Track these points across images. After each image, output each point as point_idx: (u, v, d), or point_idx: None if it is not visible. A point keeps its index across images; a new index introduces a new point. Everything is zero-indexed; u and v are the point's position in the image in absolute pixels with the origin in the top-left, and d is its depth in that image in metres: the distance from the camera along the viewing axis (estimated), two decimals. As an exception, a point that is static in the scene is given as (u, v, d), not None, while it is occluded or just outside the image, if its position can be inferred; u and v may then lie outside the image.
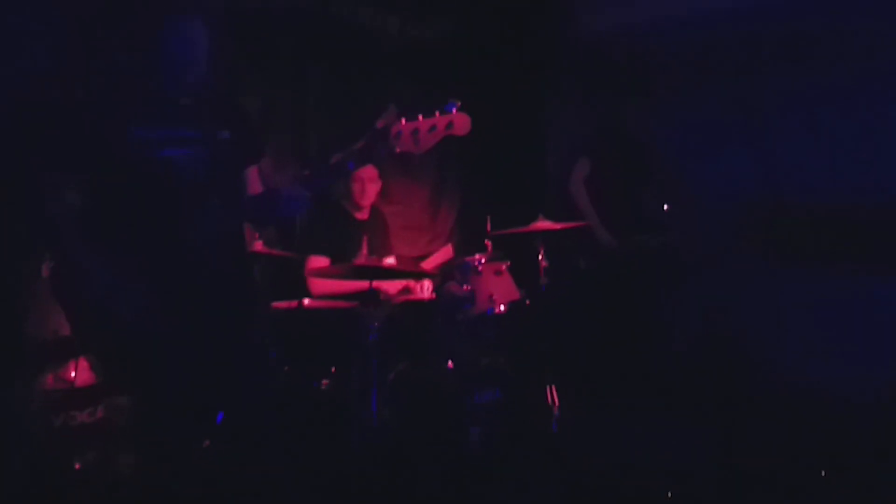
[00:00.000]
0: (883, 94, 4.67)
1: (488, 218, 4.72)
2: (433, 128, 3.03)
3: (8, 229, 3.83)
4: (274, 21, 5.01)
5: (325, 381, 4.16)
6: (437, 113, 3.05)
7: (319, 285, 4.50)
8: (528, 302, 4.64)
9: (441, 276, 4.79)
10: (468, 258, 4.63)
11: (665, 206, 5.13)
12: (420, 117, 3.04)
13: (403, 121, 3.04)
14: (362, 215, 4.81)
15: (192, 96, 3.04)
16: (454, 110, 3.05)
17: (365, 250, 4.19)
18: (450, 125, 3.03)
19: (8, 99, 3.88)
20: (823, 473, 3.67)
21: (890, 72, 4.67)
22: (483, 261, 4.58)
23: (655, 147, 5.33)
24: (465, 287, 4.54)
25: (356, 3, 5.43)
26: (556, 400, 4.43)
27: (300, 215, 3.28)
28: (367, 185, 4.71)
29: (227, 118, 3.17)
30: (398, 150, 3.05)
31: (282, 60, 5.14)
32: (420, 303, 4.65)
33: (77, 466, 3.79)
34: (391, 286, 4.64)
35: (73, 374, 3.99)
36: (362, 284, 4.15)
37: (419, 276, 4.70)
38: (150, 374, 2.92)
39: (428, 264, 5.08)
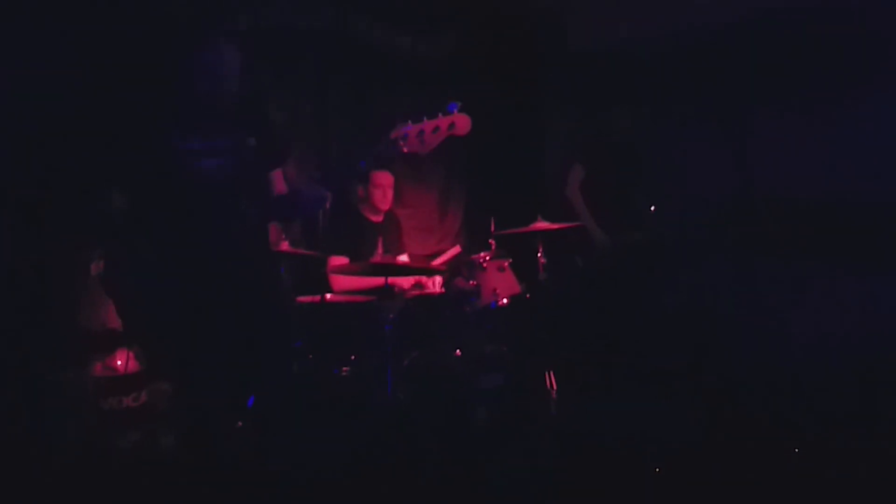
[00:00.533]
0: (854, 97, 4.78)
1: (492, 219, 4.85)
2: (437, 128, 3.12)
3: (62, 229, 4.07)
4: (296, 40, 5.16)
5: (345, 368, 4.32)
6: (439, 115, 3.15)
7: (340, 281, 4.59)
8: (528, 295, 4.78)
9: (449, 272, 4.88)
10: (474, 256, 4.78)
11: (652, 207, 5.22)
12: (424, 119, 3.15)
13: (409, 123, 3.16)
14: (377, 218, 4.92)
15: (223, 108, 3.21)
16: (455, 111, 3.15)
17: (380, 249, 4.33)
18: (452, 125, 3.11)
19: (63, 111, 4.09)
20: (797, 450, 3.77)
21: (860, 76, 4.79)
22: (487, 258, 4.73)
23: (643, 151, 5.43)
24: (471, 282, 4.71)
25: (371, 23, 5.57)
26: (555, 384, 4.55)
27: (320, 212, 3.40)
28: (387, 190, 4.84)
29: (254, 126, 3.33)
30: (405, 150, 3.15)
31: (303, 76, 5.27)
32: (430, 296, 4.76)
33: (123, 446, 3.94)
34: (404, 282, 4.75)
35: (119, 362, 4.16)
36: (378, 280, 4.28)
37: (430, 272, 4.82)
38: (190, 360, 3.11)
39: (440, 261, 5.18)
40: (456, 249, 5.33)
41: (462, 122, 3.13)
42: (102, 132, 3.36)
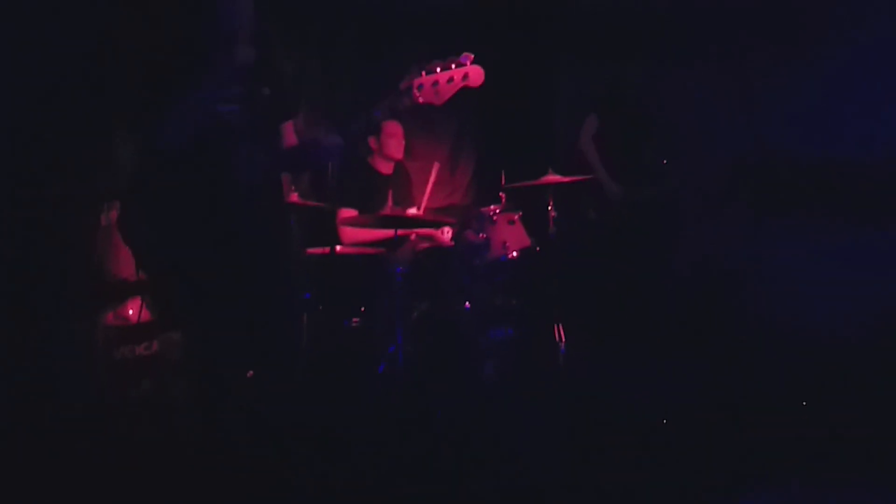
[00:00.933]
0: (864, 58, 4.71)
1: (502, 172, 4.88)
2: (451, 79, 3.09)
3: (72, 181, 4.08)
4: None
5: (355, 320, 4.37)
6: (452, 65, 3.12)
7: (350, 234, 4.62)
8: (537, 249, 4.77)
9: (459, 224, 4.88)
10: (484, 209, 4.78)
11: (664, 160, 5.21)
12: (437, 69, 3.11)
13: (423, 73, 3.12)
14: (388, 170, 4.92)
15: (238, 55, 3.12)
16: (468, 62, 3.11)
17: (390, 202, 4.35)
18: (465, 76, 3.08)
19: (76, 57, 4.06)
20: (804, 403, 3.85)
21: (871, 38, 4.71)
22: (497, 211, 4.72)
23: (657, 104, 5.37)
24: (480, 235, 4.69)
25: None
26: (563, 337, 4.59)
27: (334, 163, 3.38)
28: (401, 140, 4.84)
29: (268, 76, 3.25)
30: (421, 100, 3.12)
31: (312, 27, 5.22)
32: (440, 249, 4.79)
33: (135, 394, 4.01)
34: (414, 234, 4.76)
35: (130, 311, 4.21)
36: (388, 233, 4.31)
37: (440, 224, 4.84)
38: (204, 308, 3.02)
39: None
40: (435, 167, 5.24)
41: (475, 73, 3.11)
42: (115, 78, 3.31)
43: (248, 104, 3.15)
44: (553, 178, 4.75)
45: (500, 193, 4.85)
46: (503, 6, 6.03)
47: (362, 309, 4.40)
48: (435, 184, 5.36)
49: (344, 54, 5.45)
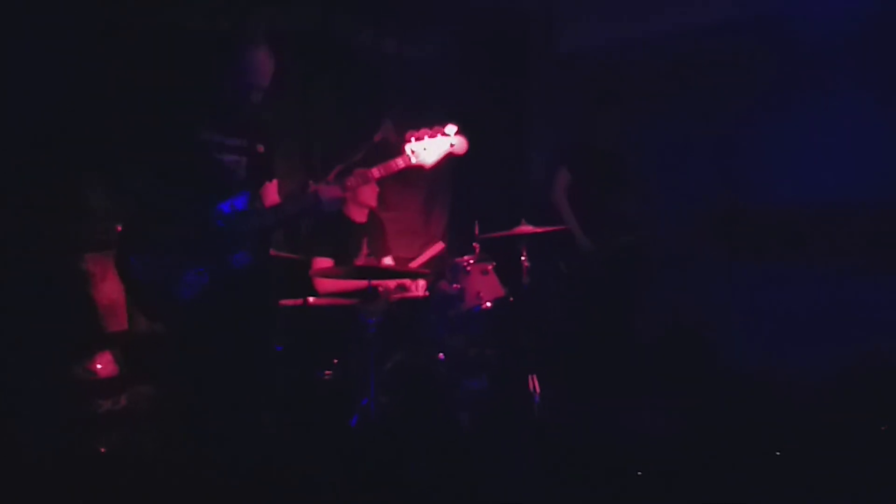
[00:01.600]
0: (831, 105, 4.81)
1: (476, 223, 4.86)
2: (439, 146, 3.40)
3: (43, 231, 4.06)
4: (281, 42, 5.14)
5: (328, 372, 4.33)
6: (438, 134, 3.40)
7: (325, 283, 4.61)
8: (511, 299, 4.79)
9: (433, 275, 4.88)
10: (458, 259, 4.79)
11: (636, 211, 5.26)
12: (426, 137, 3.38)
13: (412, 137, 3.39)
14: (362, 219, 4.92)
15: (245, 109, 3.29)
16: (453, 133, 3.41)
17: (364, 251, 4.37)
18: (452, 145, 3.40)
19: (89, 99, 4.12)
20: (778, 454, 3.82)
21: (841, 81, 4.83)
22: (471, 262, 4.73)
23: (627, 156, 5.44)
24: (454, 286, 4.71)
25: (357, 26, 5.57)
26: (538, 388, 4.53)
27: (333, 214, 3.48)
28: (374, 187, 4.86)
29: (263, 134, 3.43)
30: (413, 163, 3.40)
31: (289, 78, 5.10)
32: (414, 300, 4.77)
33: (102, 450, 3.91)
34: (389, 284, 4.74)
35: (98, 366, 4.15)
36: (362, 283, 4.27)
37: (414, 275, 4.83)
38: (192, 355, 3.13)
39: (422, 258, 5.23)
40: (439, 246, 5.34)
41: (461, 144, 3.43)
42: (125, 119, 3.35)
43: (247, 156, 3.33)
44: (526, 228, 4.75)
45: (474, 244, 4.85)
46: (478, 57, 6.10)
47: (335, 360, 4.38)
48: (410, 234, 5.38)
49: (319, 105, 5.46)
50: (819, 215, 4.89)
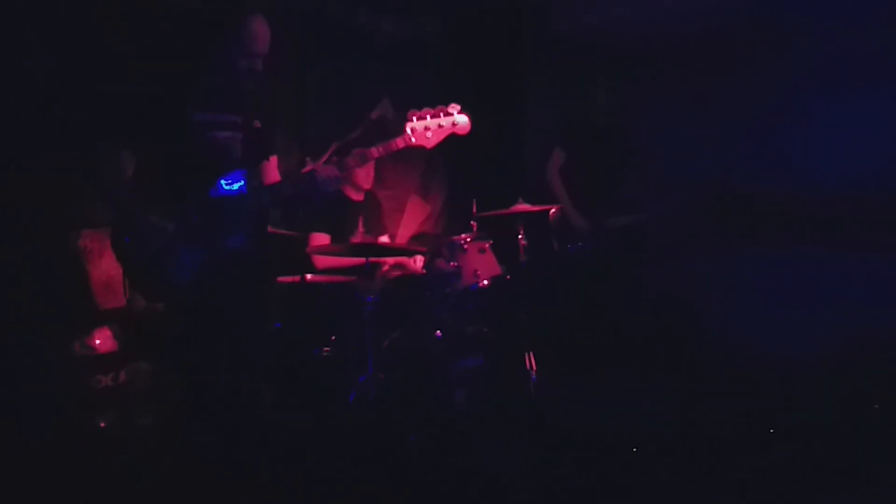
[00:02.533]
0: (826, 88, 4.81)
1: (473, 201, 4.91)
2: (441, 126, 3.35)
3: (40, 207, 4.04)
4: (277, 21, 5.18)
5: (325, 349, 4.33)
6: (441, 113, 3.36)
7: (322, 259, 4.59)
8: (508, 277, 4.78)
9: (430, 253, 4.86)
10: (455, 237, 4.76)
11: (633, 191, 5.25)
12: (428, 116, 3.34)
13: (414, 116, 3.36)
14: (358, 197, 4.88)
15: (240, 84, 3.22)
16: (456, 112, 3.37)
17: (361, 228, 4.36)
18: (454, 124, 3.36)
19: (77, 77, 4.06)
20: (771, 431, 3.91)
21: (834, 66, 4.82)
22: (468, 240, 4.71)
23: (625, 135, 5.41)
24: (451, 263, 4.68)
25: (353, 4, 5.56)
26: (534, 366, 4.57)
27: (332, 195, 3.47)
28: (368, 169, 4.78)
29: (259, 110, 3.36)
30: (414, 143, 3.36)
31: (285, 57, 5.04)
32: (411, 277, 4.77)
33: (102, 425, 3.97)
34: (386, 262, 4.75)
35: (97, 341, 4.18)
36: (359, 260, 4.26)
37: (411, 253, 4.83)
38: (189, 335, 3.12)
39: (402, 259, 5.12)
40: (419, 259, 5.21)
41: (463, 123, 3.38)
42: (115, 99, 3.32)
43: (242, 132, 3.27)
44: (523, 206, 4.77)
45: (471, 222, 4.87)
46: (474, 36, 6.08)
47: (333, 338, 4.38)
48: (406, 212, 5.37)
49: (316, 84, 5.43)
50: (816, 198, 4.89)
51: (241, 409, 3.33)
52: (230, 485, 3.13)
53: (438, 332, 4.56)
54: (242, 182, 3.23)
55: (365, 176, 4.83)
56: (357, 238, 4.28)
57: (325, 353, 4.35)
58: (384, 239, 4.99)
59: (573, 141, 5.42)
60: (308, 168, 3.37)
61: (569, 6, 6.03)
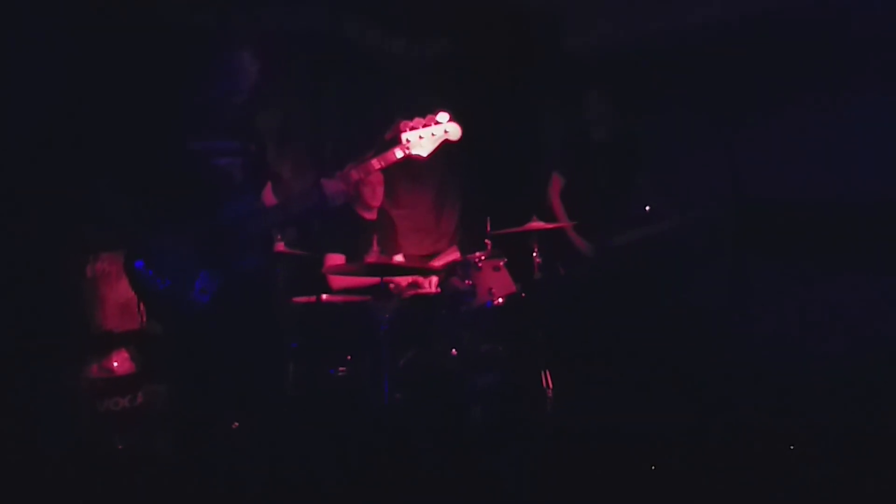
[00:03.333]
0: (845, 99, 4.77)
1: (487, 219, 4.87)
2: (433, 135, 3.42)
3: (61, 230, 4.13)
4: (291, 42, 5.15)
5: (341, 369, 4.35)
6: (432, 122, 3.43)
7: (338, 279, 4.62)
8: (523, 295, 4.79)
9: (445, 272, 4.88)
10: (469, 256, 4.79)
11: (647, 207, 5.16)
12: (420, 126, 3.40)
13: (408, 128, 3.41)
14: (371, 216, 4.92)
15: (234, 111, 3.35)
16: (445, 120, 3.44)
17: (375, 247, 4.36)
18: (445, 132, 3.42)
19: (76, 112, 4.08)
20: (792, 447, 3.82)
21: (854, 72, 4.77)
22: (483, 258, 4.73)
23: (630, 144, 5.34)
24: (466, 282, 4.71)
25: (365, 25, 5.59)
26: (550, 383, 4.57)
27: (338, 208, 3.51)
28: (377, 187, 4.84)
29: (252, 134, 3.50)
30: (412, 154, 3.42)
31: (299, 78, 5.27)
32: (426, 296, 4.77)
33: (119, 447, 4.00)
34: (401, 281, 4.74)
35: (114, 363, 4.23)
36: (375, 280, 4.30)
37: (426, 272, 4.84)
38: (198, 357, 3.19)
39: (437, 262, 5.17)
40: (454, 251, 5.31)
41: (454, 129, 3.45)
42: (115, 131, 3.38)
43: (241, 158, 3.36)
44: (538, 224, 4.77)
45: (486, 240, 4.86)
46: (486, 55, 6.10)
47: (348, 357, 4.39)
48: (420, 231, 5.37)
49: (330, 104, 5.49)
50: (831, 211, 4.82)
51: (256, 429, 3.43)
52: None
53: (454, 350, 4.57)
54: (249, 205, 3.27)
55: (372, 194, 4.86)
56: (372, 258, 4.29)
57: (340, 373, 4.35)
58: (399, 258, 5.00)
59: (572, 162, 5.40)
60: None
61: (578, 21, 6.02)
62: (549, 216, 5.24)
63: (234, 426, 3.50)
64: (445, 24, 5.97)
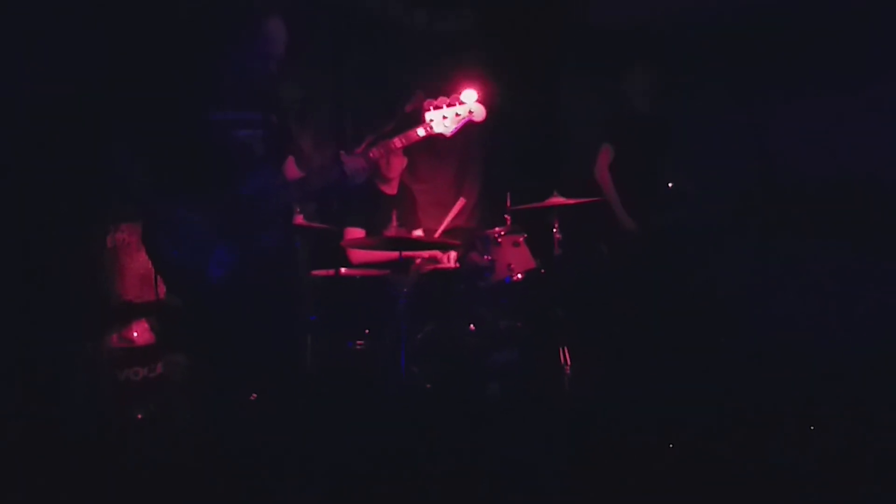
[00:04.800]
0: (865, 83, 4.73)
1: (507, 194, 4.87)
2: (457, 115, 3.38)
3: (78, 201, 4.11)
4: (313, 16, 5.12)
5: (359, 342, 4.36)
6: (457, 102, 3.39)
7: (358, 253, 4.64)
8: (542, 271, 4.76)
9: (464, 247, 4.87)
10: (489, 231, 4.76)
11: (669, 184, 5.15)
12: (444, 105, 3.36)
13: (432, 107, 3.37)
14: (391, 190, 4.92)
15: (257, 82, 3.27)
16: (471, 100, 3.40)
17: (395, 222, 4.35)
18: (470, 112, 3.38)
19: (97, 81, 4.07)
20: (812, 428, 3.82)
21: (872, 62, 4.73)
22: (502, 233, 4.71)
23: (665, 123, 5.30)
24: (485, 257, 4.68)
25: (387, -3, 5.55)
26: (568, 360, 4.56)
27: (361, 184, 3.51)
28: (392, 159, 4.79)
29: (275, 105, 3.42)
30: (434, 133, 3.39)
31: (321, 51, 5.26)
32: (445, 271, 4.75)
33: (139, 416, 4.03)
34: (420, 256, 4.74)
35: (134, 334, 4.23)
36: (394, 254, 4.30)
37: (445, 247, 4.79)
38: (219, 328, 3.15)
39: (447, 220, 5.13)
40: (460, 203, 5.23)
41: (479, 110, 3.41)
42: (136, 102, 3.35)
43: (262, 129, 3.30)
44: (558, 200, 4.75)
45: (505, 216, 4.85)
46: (509, 27, 6.05)
47: (367, 331, 4.40)
48: (440, 206, 5.36)
49: (351, 77, 5.46)
50: (862, 196, 4.80)
51: (273, 401, 3.40)
52: (261, 475, 3.18)
53: (472, 325, 4.57)
54: (269, 178, 3.26)
55: (387, 166, 4.84)
56: (391, 232, 4.26)
57: (359, 347, 4.37)
58: (418, 233, 5.00)
59: (620, 134, 5.33)
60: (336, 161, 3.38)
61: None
62: (591, 187, 5.22)
63: (252, 398, 3.47)
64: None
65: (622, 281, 5.21)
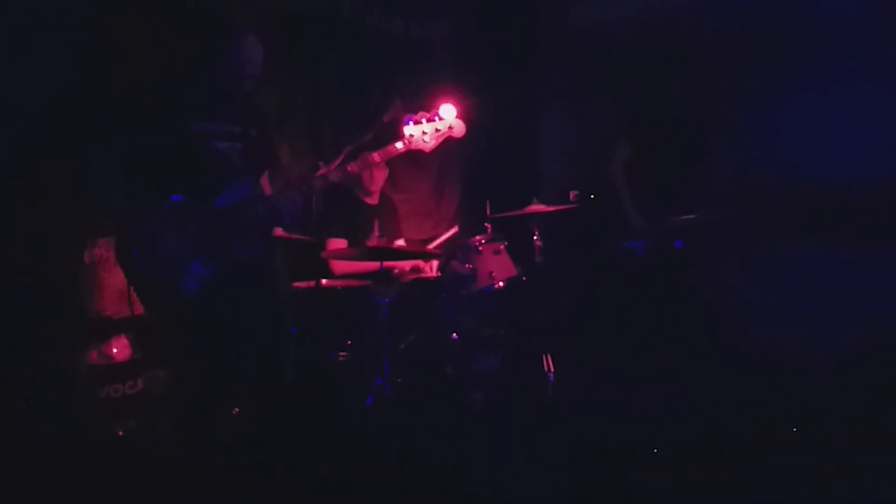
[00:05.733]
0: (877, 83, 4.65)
1: (487, 203, 4.90)
2: (437, 130, 3.41)
3: (55, 216, 4.04)
4: (288, 24, 5.10)
5: (342, 353, 4.35)
6: (436, 117, 3.42)
7: (340, 264, 4.63)
8: (524, 278, 4.77)
9: (446, 256, 4.85)
10: (470, 239, 4.75)
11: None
12: (424, 120, 3.39)
13: (411, 122, 3.40)
14: (372, 201, 4.89)
15: (237, 96, 3.29)
16: (451, 116, 3.44)
17: (376, 232, 4.36)
18: (450, 128, 3.42)
19: (77, 93, 4.02)
20: (795, 430, 3.84)
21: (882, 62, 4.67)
22: (483, 242, 4.70)
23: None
24: (467, 266, 4.67)
25: (365, 6, 5.54)
26: (551, 367, 4.57)
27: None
28: (375, 172, 4.74)
29: (255, 118, 3.44)
30: (413, 148, 3.43)
31: (297, 60, 5.21)
32: (427, 280, 4.76)
33: (119, 433, 3.99)
34: (402, 266, 4.73)
35: (114, 350, 4.18)
36: (376, 264, 4.27)
37: (426, 256, 4.82)
38: (197, 342, 3.14)
39: (438, 242, 5.13)
40: (454, 230, 5.26)
41: (460, 127, 3.47)
42: (117, 113, 3.34)
43: (242, 142, 3.32)
44: (538, 207, 4.78)
45: (486, 224, 4.87)
46: (487, 37, 6.06)
47: (349, 342, 4.40)
48: (420, 216, 5.36)
49: (328, 87, 5.44)
50: (847, 193, 4.76)
51: (255, 415, 3.39)
52: (245, 489, 3.16)
53: (455, 334, 4.57)
54: (247, 191, 3.25)
55: (372, 179, 4.81)
56: (373, 242, 4.26)
57: (341, 358, 4.36)
58: (400, 242, 4.96)
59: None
60: (321, 172, 3.38)
61: (584, 4, 5.96)
62: (604, 184, 5.19)
63: (234, 412, 3.46)
64: (445, 5, 5.94)
65: (603, 281, 5.22)
